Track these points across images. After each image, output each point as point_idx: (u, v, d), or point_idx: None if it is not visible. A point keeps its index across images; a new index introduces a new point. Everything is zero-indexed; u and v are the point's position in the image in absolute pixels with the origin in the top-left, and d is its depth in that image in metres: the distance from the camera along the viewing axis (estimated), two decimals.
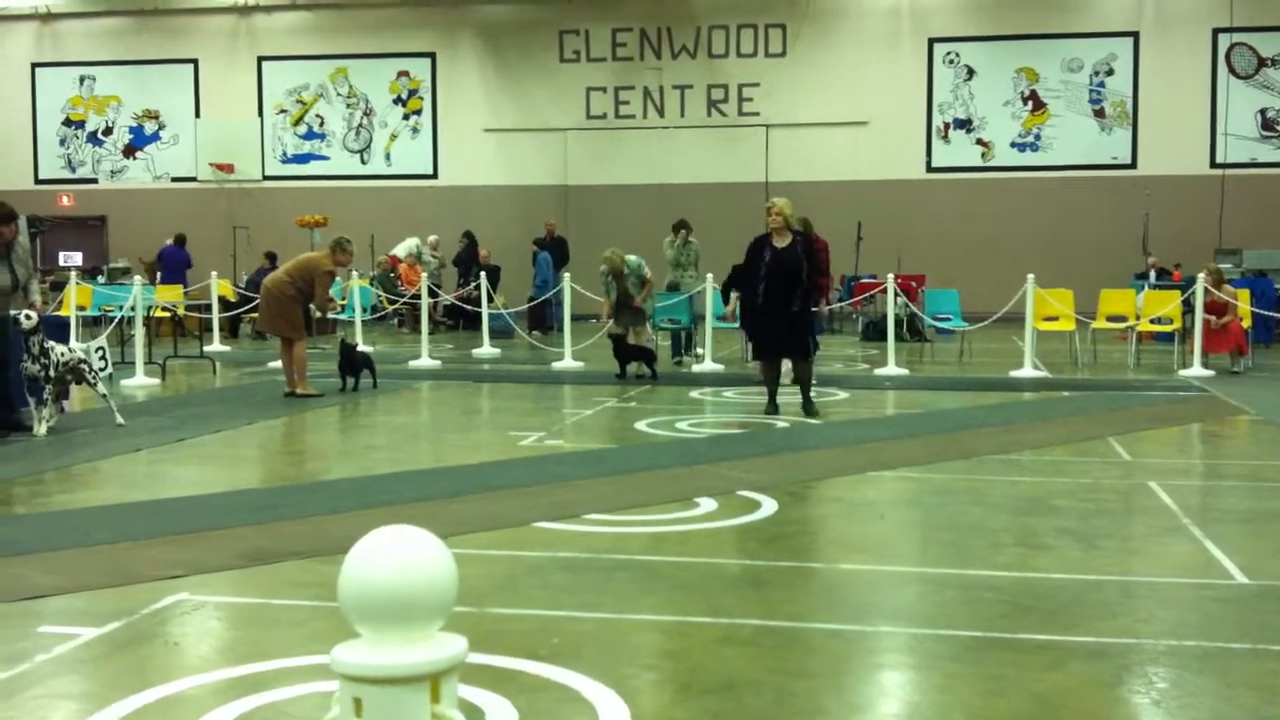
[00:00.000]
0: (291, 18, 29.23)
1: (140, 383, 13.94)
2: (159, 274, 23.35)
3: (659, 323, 17.49)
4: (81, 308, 18.76)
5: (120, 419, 10.39)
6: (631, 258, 14.96)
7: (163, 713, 4.02)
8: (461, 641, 2.58)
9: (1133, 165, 26.32)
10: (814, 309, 11.70)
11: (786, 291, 10.85)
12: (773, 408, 11.28)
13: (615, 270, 14.71)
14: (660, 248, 18.05)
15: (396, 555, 2.50)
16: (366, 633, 2.53)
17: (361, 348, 14.55)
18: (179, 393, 13.67)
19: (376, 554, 2.50)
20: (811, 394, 11.37)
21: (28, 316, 9.79)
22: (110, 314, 16.99)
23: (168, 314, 18.10)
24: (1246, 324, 15.32)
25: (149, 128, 29.92)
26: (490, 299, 18.76)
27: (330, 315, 16.80)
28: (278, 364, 13.83)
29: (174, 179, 29.70)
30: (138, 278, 16.63)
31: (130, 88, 29.83)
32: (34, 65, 30.07)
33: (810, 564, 6.08)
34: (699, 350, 16.34)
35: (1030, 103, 26.78)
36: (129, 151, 29.97)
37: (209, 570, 5.77)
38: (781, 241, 10.93)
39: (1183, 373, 14.59)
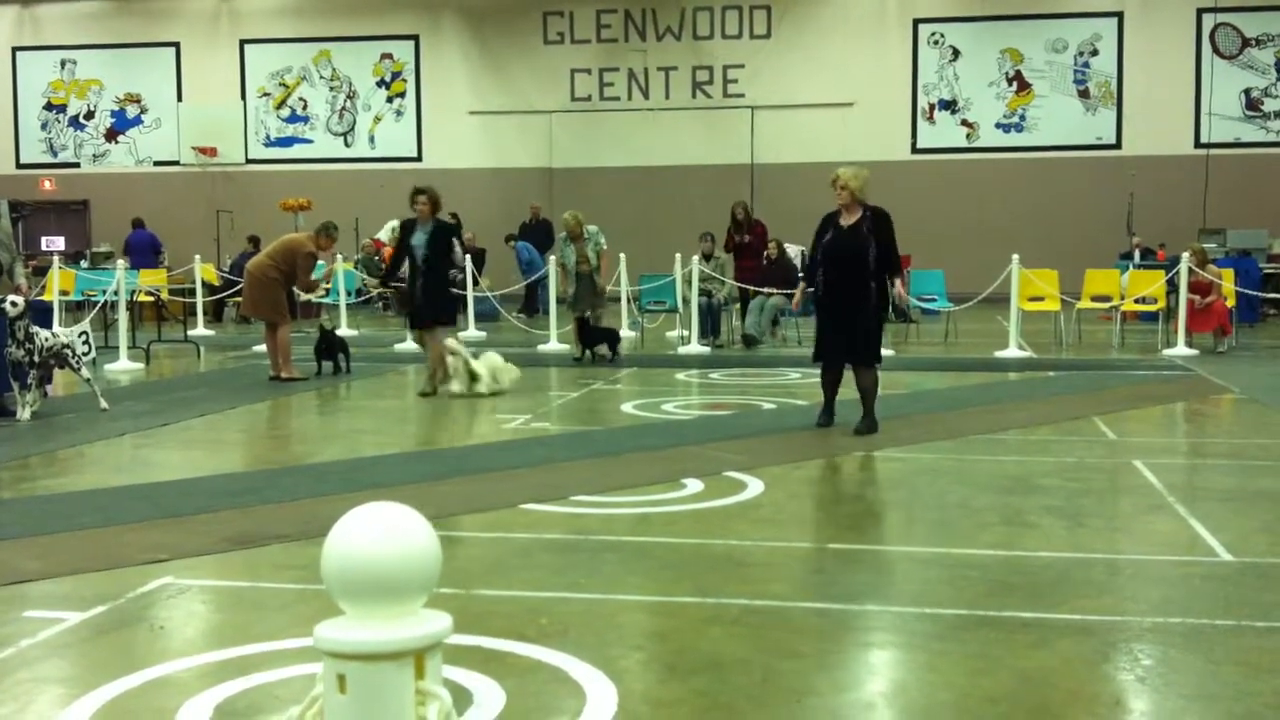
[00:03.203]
0: (274, 0, 29.06)
1: (124, 367, 13.89)
2: (128, 260, 23.21)
3: (646, 305, 17.49)
4: (64, 292, 18.67)
5: (104, 404, 10.35)
6: (592, 226, 14.88)
7: (149, 696, 4.01)
8: (445, 618, 2.57)
9: (1117, 145, 26.37)
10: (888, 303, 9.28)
11: (849, 280, 8.88)
12: (826, 418, 9.33)
13: (572, 233, 14.67)
14: (647, 230, 17.97)
15: (378, 531, 2.49)
16: (350, 609, 2.53)
17: (340, 331, 14.51)
18: (163, 377, 13.62)
19: (358, 530, 2.49)
20: (875, 406, 9.21)
21: (13, 304, 9.73)
22: (93, 298, 16.91)
23: (151, 298, 18.03)
24: (1230, 303, 15.37)
25: (131, 111, 29.76)
26: (475, 282, 18.72)
27: (315, 298, 16.73)
28: (262, 348, 13.78)
29: (156, 163, 29.56)
30: (120, 262, 16.54)
31: (112, 71, 29.66)
32: (14, 49, 29.87)
33: (796, 544, 6.08)
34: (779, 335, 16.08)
35: (1015, 83, 26.79)
36: (111, 135, 29.81)
37: (194, 554, 5.75)
38: (849, 219, 8.98)
39: (1167, 352, 14.64)
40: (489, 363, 11.57)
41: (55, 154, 29.98)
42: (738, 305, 16.87)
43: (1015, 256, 15.37)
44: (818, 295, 9.15)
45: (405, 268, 11.87)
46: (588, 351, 14.29)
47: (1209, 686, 4.04)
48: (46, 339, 10.01)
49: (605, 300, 15.13)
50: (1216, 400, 11.27)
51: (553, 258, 16.89)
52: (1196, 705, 3.90)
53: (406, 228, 11.88)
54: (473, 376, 11.32)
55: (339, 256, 20.11)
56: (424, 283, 11.55)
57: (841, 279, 8.91)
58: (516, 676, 4.12)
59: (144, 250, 23.38)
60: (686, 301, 16.28)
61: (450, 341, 11.45)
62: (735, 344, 16.43)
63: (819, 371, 9.40)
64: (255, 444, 9.63)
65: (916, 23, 26.99)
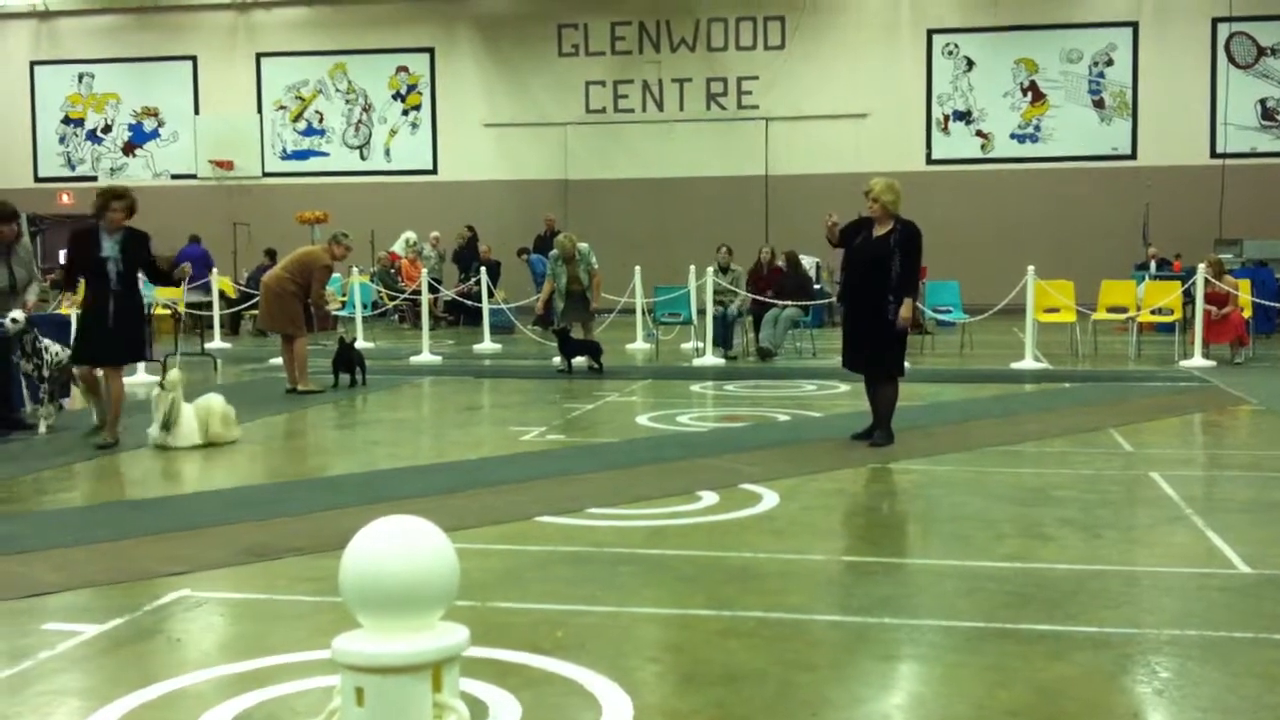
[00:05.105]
0: (290, 14, 29.20)
1: (141, 380, 13.93)
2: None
3: (660, 317, 17.49)
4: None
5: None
6: (583, 245, 14.92)
7: (166, 709, 4.02)
8: (463, 631, 2.58)
9: (1133, 156, 26.31)
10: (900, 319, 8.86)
11: (868, 289, 8.89)
12: (865, 431, 9.22)
13: (567, 255, 14.70)
14: (661, 241, 17.95)
15: (397, 544, 2.50)
16: (368, 622, 2.54)
17: (357, 344, 14.54)
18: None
19: (377, 543, 2.50)
20: (890, 423, 9.14)
21: (14, 320, 9.62)
22: None
23: (168, 311, 18.10)
24: (1247, 314, 15.31)
25: (148, 125, 29.91)
26: (491, 294, 18.76)
27: (331, 311, 16.77)
28: (279, 361, 13.82)
29: (174, 176, 29.69)
30: (140, 275, 16.58)
31: (129, 85, 29.82)
32: (33, 63, 30.05)
33: (812, 556, 6.07)
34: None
35: (1030, 94, 26.75)
36: (128, 149, 29.96)
37: (211, 566, 5.77)
38: (880, 230, 8.97)
39: (1184, 363, 14.58)
40: (205, 408, 9.43)
41: (73, 167, 30.12)
42: (750, 318, 16.85)
43: (1031, 267, 15.34)
44: (842, 299, 9.26)
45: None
46: (568, 363, 14.35)
47: (1227, 699, 4.03)
48: (56, 352, 10.00)
49: (593, 317, 15.15)
50: (1234, 411, 11.22)
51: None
52: (1214, 718, 3.88)
53: (84, 236, 9.41)
54: (169, 423, 9.22)
55: (355, 269, 20.19)
56: (118, 306, 9.25)
57: (861, 286, 9.00)
58: (532, 689, 4.13)
59: (196, 265, 23.27)
60: (701, 313, 16.27)
61: (174, 374, 9.45)
62: (750, 356, 16.42)
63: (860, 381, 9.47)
64: (271, 456, 9.64)
65: (931, 33, 26.99)
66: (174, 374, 9.47)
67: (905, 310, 8.82)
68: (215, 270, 23.39)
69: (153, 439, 9.26)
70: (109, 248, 9.27)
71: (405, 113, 28.95)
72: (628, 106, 27.96)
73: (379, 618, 2.51)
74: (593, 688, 4.13)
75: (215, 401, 9.49)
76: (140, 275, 9.64)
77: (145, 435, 9.39)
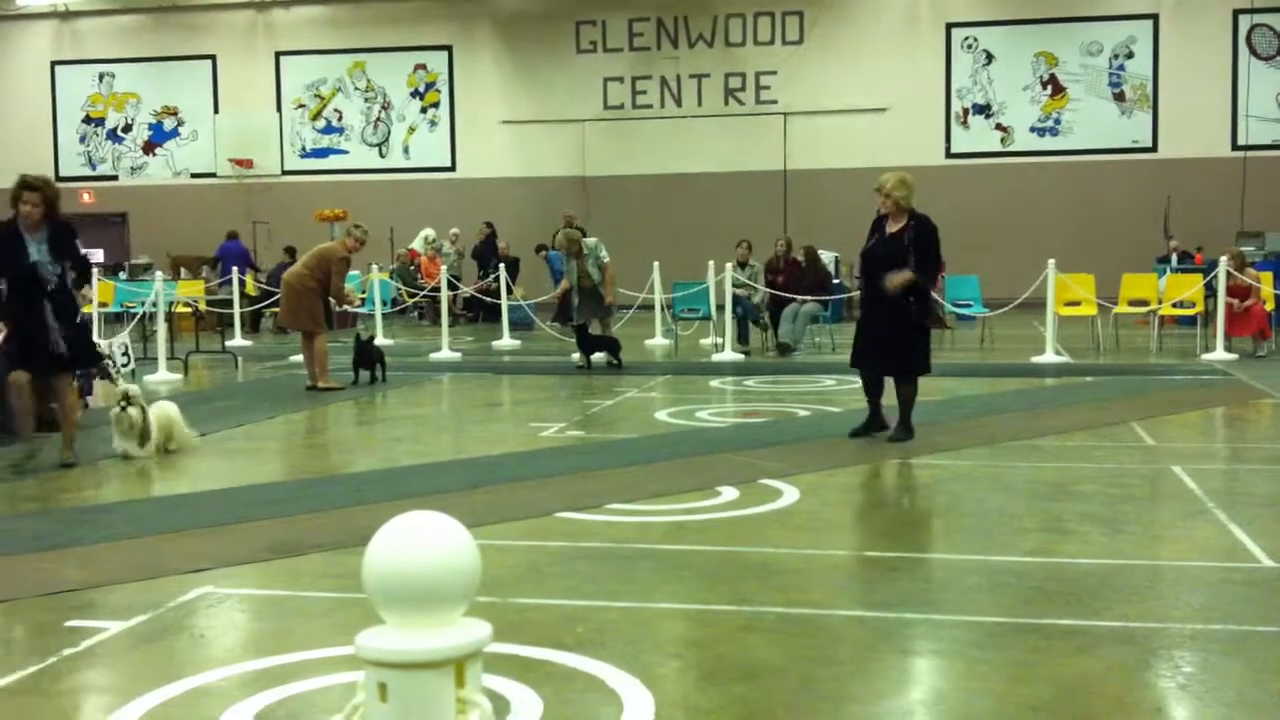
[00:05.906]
0: (309, 12, 29.28)
1: (163, 378, 14.01)
2: (220, 269, 23.28)
3: (679, 312, 17.49)
4: (104, 304, 18.85)
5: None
6: (590, 240, 14.91)
7: (189, 705, 4.04)
8: (485, 626, 2.59)
9: (1154, 148, 26.18)
10: (925, 317, 8.98)
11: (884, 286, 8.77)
12: (863, 427, 9.19)
13: (571, 252, 14.70)
14: (680, 237, 17.92)
15: (419, 540, 2.51)
16: (391, 618, 2.55)
17: (376, 341, 14.58)
18: (201, 388, 13.72)
19: (400, 539, 2.51)
20: (911, 419, 9.04)
21: None
22: (132, 310, 17.07)
23: (189, 309, 18.20)
24: (1269, 307, 15.23)
25: (168, 124, 30.02)
26: (510, 291, 18.78)
27: (350, 308, 16.83)
28: (299, 358, 13.87)
29: (193, 175, 29.80)
30: (159, 273, 16.68)
31: (149, 84, 29.94)
32: (53, 63, 30.20)
33: (833, 551, 6.07)
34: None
35: (1049, 87, 26.64)
36: (148, 148, 30.08)
37: (234, 563, 5.80)
38: (893, 226, 8.87)
39: (1205, 357, 14.52)
40: (163, 416, 9.01)
41: (94, 167, 30.26)
42: (768, 314, 16.82)
43: (1051, 261, 15.29)
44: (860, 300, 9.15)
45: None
46: (587, 359, 14.36)
47: (1251, 694, 4.01)
48: None
49: (611, 312, 15.09)
50: (1256, 405, 11.16)
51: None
52: (1238, 713, 3.86)
53: (5, 237, 8.31)
54: (144, 434, 8.79)
55: (374, 266, 20.24)
56: (57, 309, 8.38)
57: (878, 284, 8.83)
58: (553, 684, 4.13)
59: (235, 260, 23.35)
60: (720, 309, 16.26)
61: (134, 388, 8.99)
62: (769, 351, 16.40)
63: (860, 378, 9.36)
64: (293, 453, 9.69)
65: (950, 27, 26.90)
66: (135, 386, 9.17)
67: (897, 278, 8.58)
68: (242, 268, 23.51)
69: (116, 448, 8.82)
70: (36, 251, 8.29)
71: (424, 110, 29.00)
72: (646, 103, 27.95)
73: (402, 614, 2.52)
74: (614, 683, 4.14)
75: (171, 409, 9.12)
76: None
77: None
